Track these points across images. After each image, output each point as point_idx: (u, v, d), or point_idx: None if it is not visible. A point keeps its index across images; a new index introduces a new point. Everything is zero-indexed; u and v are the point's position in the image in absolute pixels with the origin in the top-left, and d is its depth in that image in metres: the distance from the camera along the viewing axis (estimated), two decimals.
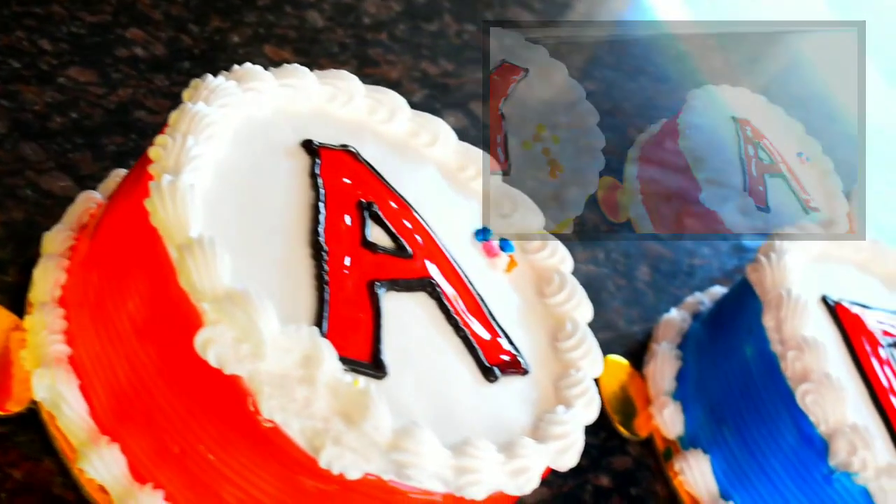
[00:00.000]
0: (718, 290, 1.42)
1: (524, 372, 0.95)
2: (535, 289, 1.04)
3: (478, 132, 1.47)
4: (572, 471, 1.11)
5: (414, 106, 1.38)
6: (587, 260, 1.41)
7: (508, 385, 0.94)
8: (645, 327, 1.39)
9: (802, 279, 1.29)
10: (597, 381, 1.21)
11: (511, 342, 0.96)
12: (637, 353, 1.35)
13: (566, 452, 0.91)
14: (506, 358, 0.95)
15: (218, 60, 1.28)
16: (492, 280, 1.01)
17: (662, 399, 1.28)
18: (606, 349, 1.26)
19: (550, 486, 1.15)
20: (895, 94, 2.66)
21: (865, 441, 1.12)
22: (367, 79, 1.35)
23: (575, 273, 1.30)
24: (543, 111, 1.54)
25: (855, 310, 1.30)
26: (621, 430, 1.26)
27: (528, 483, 0.87)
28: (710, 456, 1.24)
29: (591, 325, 1.26)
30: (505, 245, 1.02)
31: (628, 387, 1.31)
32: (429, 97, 1.44)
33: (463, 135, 1.37)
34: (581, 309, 1.02)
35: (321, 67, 1.06)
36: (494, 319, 0.97)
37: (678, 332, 1.36)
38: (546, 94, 1.56)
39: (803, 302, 1.20)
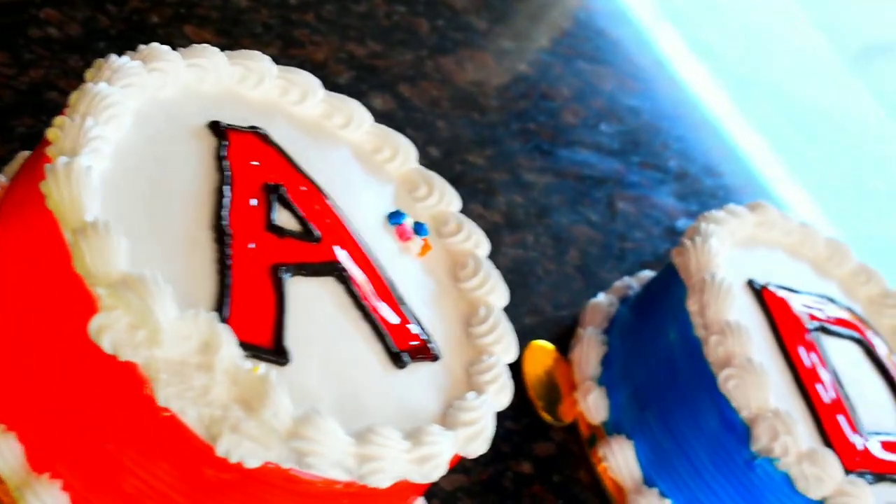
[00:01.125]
0: (647, 275, 1.41)
1: (434, 358, 0.94)
2: (450, 273, 1.03)
3: (406, 114, 1.46)
4: (493, 457, 1.11)
5: (340, 88, 1.37)
6: (515, 244, 1.41)
7: (418, 371, 0.93)
8: (573, 312, 1.38)
9: (728, 263, 1.29)
10: (521, 366, 1.22)
11: (422, 327, 0.95)
12: (564, 339, 1.34)
13: (475, 439, 0.90)
14: (415, 344, 0.94)
15: (135, 41, 1.25)
16: (404, 264, 1.00)
17: (587, 384, 1.28)
18: (533, 334, 1.27)
19: (469, 474, 1.15)
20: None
21: (787, 426, 1.12)
22: (291, 60, 1.34)
23: (502, 257, 1.30)
24: (474, 93, 1.53)
25: (781, 294, 1.30)
26: (545, 416, 1.25)
27: (435, 471, 0.87)
28: (633, 442, 1.24)
29: (517, 309, 1.26)
30: (419, 229, 1.01)
31: (554, 372, 1.30)
32: (355, 79, 1.43)
33: (391, 117, 1.37)
34: (496, 294, 1.01)
35: (244, 49, 1.05)
36: (405, 304, 0.96)
37: (605, 317, 1.36)
38: (477, 76, 1.55)
39: (727, 286, 1.20)
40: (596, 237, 1.49)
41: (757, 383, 1.13)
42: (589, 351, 1.30)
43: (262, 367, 0.80)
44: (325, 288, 0.92)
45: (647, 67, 1.88)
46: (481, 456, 1.11)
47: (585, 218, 1.51)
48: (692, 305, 1.19)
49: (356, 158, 1.04)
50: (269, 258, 0.89)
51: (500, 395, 0.94)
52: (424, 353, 0.94)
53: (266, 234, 0.90)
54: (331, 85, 1.34)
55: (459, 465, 1.10)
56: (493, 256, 1.29)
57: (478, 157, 1.46)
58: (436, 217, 1.05)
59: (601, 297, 1.38)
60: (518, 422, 1.22)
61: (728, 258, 1.30)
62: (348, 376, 0.88)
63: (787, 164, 2.11)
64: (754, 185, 1.87)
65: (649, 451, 1.22)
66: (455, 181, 1.34)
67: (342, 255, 0.94)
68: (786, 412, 1.13)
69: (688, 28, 2.15)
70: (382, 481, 0.83)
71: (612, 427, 1.25)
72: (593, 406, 1.26)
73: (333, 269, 0.93)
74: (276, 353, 0.84)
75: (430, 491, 1.07)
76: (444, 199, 1.05)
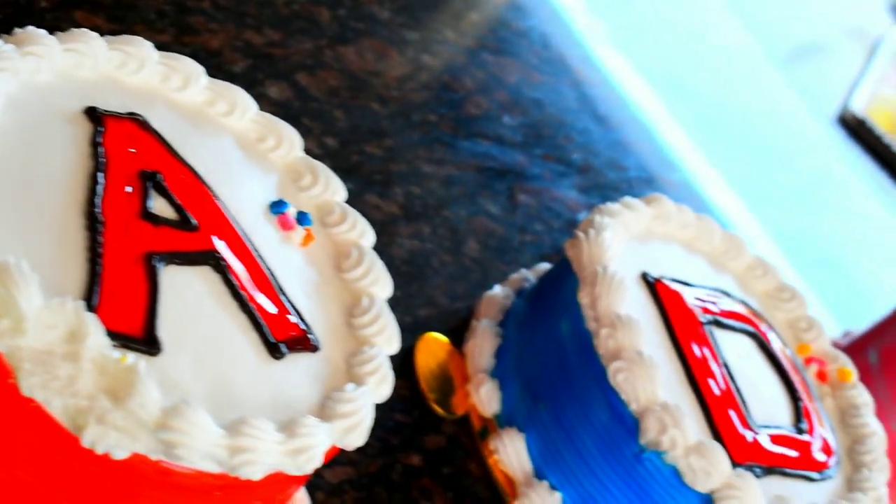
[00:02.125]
0: (544, 267, 1.42)
1: (314, 349, 0.94)
2: (333, 263, 1.02)
3: (303, 103, 1.46)
4: (381, 450, 1.11)
5: (235, 76, 1.36)
6: (411, 235, 1.40)
7: (296, 362, 0.92)
8: (469, 304, 1.38)
9: (622, 256, 1.30)
10: (413, 358, 1.21)
11: (301, 318, 0.95)
12: (460, 331, 1.34)
13: (353, 431, 0.90)
14: (294, 334, 0.93)
15: (23, 26, 1.24)
16: (286, 254, 0.99)
17: (479, 376, 1.28)
18: (427, 326, 1.26)
19: (356, 466, 1.14)
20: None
21: (675, 419, 1.13)
22: (185, 48, 1.33)
23: (398, 248, 1.30)
24: (374, 84, 1.53)
25: (675, 287, 1.31)
26: (436, 408, 1.25)
27: (310, 463, 0.86)
28: (525, 434, 1.24)
29: (412, 301, 1.26)
30: (302, 218, 1.01)
31: (447, 364, 1.30)
32: (251, 68, 1.42)
33: (287, 106, 1.36)
34: (379, 284, 1.01)
35: (136, 35, 1.03)
36: (284, 295, 0.95)
37: (500, 309, 1.36)
38: (378, 66, 1.54)
39: (619, 279, 1.20)
40: (495, 229, 1.49)
41: (646, 376, 1.14)
42: (482, 343, 1.30)
43: (131, 357, 0.79)
44: (201, 277, 0.91)
45: (552, 60, 1.88)
46: (369, 448, 1.11)
47: (485, 210, 1.51)
48: (584, 298, 1.20)
49: (239, 147, 1.03)
50: (143, 246, 0.88)
51: (381, 386, 0.94)
52: (303, 343, 0.93)
53: (140, 221, 0.89)
54: (226, 73, 1.33)
55: (346, 458, 1.10)
56: (388, 248, 1.30)
57: (376, 148, 1.45)
58: (320, 207, 1.04)
59: (497, 290, 1.38)
60: (409, 414, 1.22)
61: (622, 251, 1.30)
62: (222, 367, 0.87)
63: (699, 159, 2.13)
64: (659, 179, 1.87)
65: (540, 443, 1.22)
66: (351, 171, 1.34)
67: (220, 245, 0.93)
68: (674, 405, 1.13)
69: (599, 19, 2.16)
70: (254, 473, 0.83)
71: (505, 420, 1.25)
72: (485, 398, 1.26)
73: (210, 259, 0.92)
74: (146, 342, 0.83)
75: (315, 483, 1.07)
76: (329, 188, 1.04)
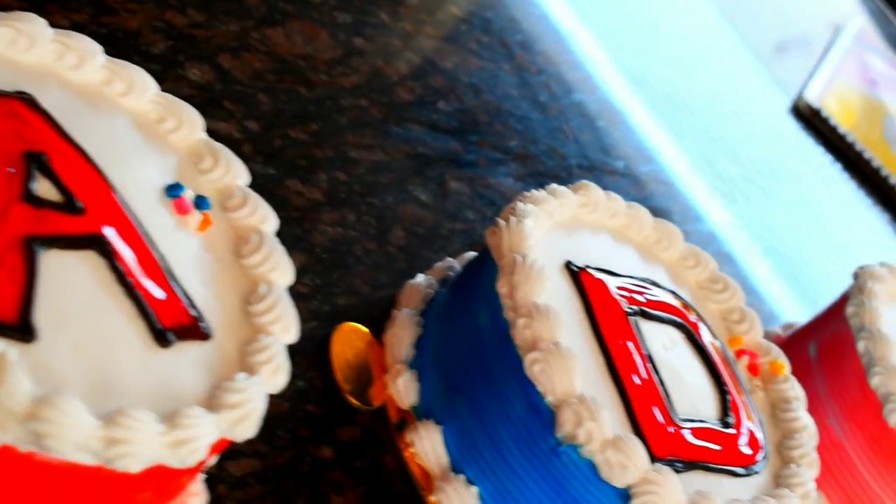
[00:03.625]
0: (470, 256, 1.39)
1: (205, 337, 0.92)
2: (233, 249, 1.00)
3: (225, 86, 1.43)
4: (291, 442, 1.09)
5: (153, 58, 1.34)
6: (334, 222, 1.38)
7: (185, 351, 0.90)
8: (392, 293, 1.36)
9: (546, 244, 1.28)
10: (330, 348, 1.19)
11: (193, 305, 0.92)
12: (381, 321, 1.31)
13: (242, 422, 0.88)
14: (184, 322, 0.91)
15: None
16: (180, 239, 0.97)
17: (398, 367, 1.26)
18: (346, 316, 1.24)
19: (263, 458, 1.12)
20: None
21: (592, 412, 1.11)
22: (101, 28, 1.31)
23: (319, 235, 1.27)
24: (302, 67, 1.50)
25: (600, 277, 1.29)
26: (351, 400, 1.23)
27: (193, 455, 0.84)
28: (443, 427, 1.22)
29: (331, 290, 1.24)
30: (200, 202, 0.98)
31: (365, 355, 1.28)
32: (172, 49, 1.39)
33: (208, 89, 1.33)
34: (279, 271, 0.99)
35: (49, 15, 1.01)
36: (176, 281, 0.93)
37: (423, 299, 1.34)
38: (307, 49, 1.52)
39: (538, 268, 1.18)
40: (424, 217, 1.47)
41: (563, 368, 1.12)
42: (402, 333, 1.28)
43: (0, 345, 0.76)
44: (86, 262, 0.88)
45: (492, 46, 1.86)
46: (278, 440, 1.09)
47: (414, 197, 1.49)
48: (502, 287, 1.18)
49: (136, 128, 1.01)
50: (23, 230, 0.85)
51: (275, 376, 0.92)
52: (193, 331, 0.91)
53: (21, 204, 0.87)
54: (143, 55, 1.31)
55: (252, 450, 1.07)
56: (309, 235, 1.27)
57: (300, 133, 1.43)
58: (221, 191, 1.02)
59: (420, 279, 1.36)
60: (322, 406, 1.19)
61: (546, 239, 1.28)
62: (104, 355, 0.85)
63: (647, 148, 2.11)
64: (601, 168, 1.86)
65: (457, 436, 1.20)
66: (273, 156, 1.32)
67: (107, 229, 0.90)
68: (592, 398, 1.11)
69: (541, 2, 2.14)
70: (132, 465, 0.80)
71: (423, 412, 1.23)
72: (403, 390, 1.24)
73: (95, 243, 0.89)
74: (20, 329, 0.80)
75: (217, 476, 1.05)
76: (231, 172, 1.02)
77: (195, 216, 0.98)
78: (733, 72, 2.74)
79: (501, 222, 1.23)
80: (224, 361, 0.91)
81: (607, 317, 1.25)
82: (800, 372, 1.59)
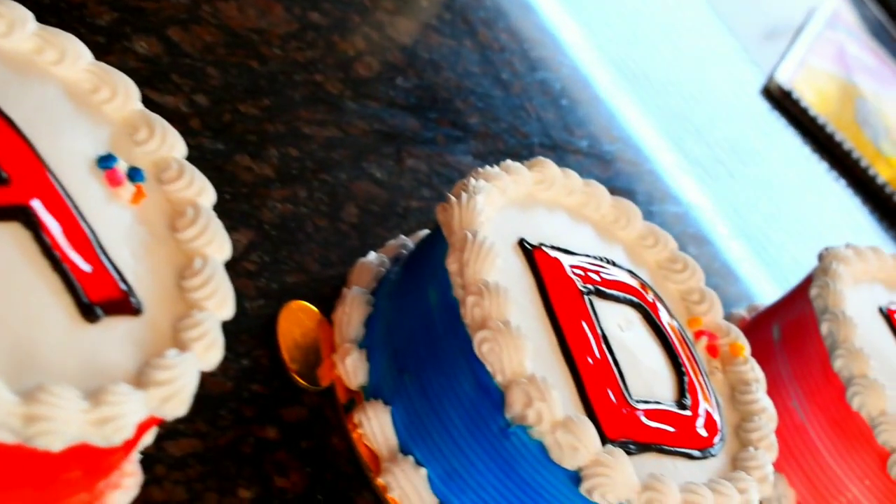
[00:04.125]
0: (424, 234, 1.37)
1: (135, 312, 0.89)
2: (168, 223, 0.97)
3: (173, 59, 1.41)
4: (233, 422, 1.07)
5: (99, 30, 1.31)
6: (285, 199, 1.36)
7: (114, 326, 0.88)
8: (343, 272, 1.33)
9: (499, 222, 1.26)
10: (277, 326, 1.17)
11: (123, 279, 0.90)
12: (331, 300, 1.29)
13: (171, 400, 0.86)
14: (113, 296, 0.88)
15: None
16: (112, 212, 0.94)
17: (346, 346, 1.24)
18: (295, 294, 1.22)
19: (204, 439, 1.10)
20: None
21: (542, 393, 1.09)
22: None
23: (269, 212, 1.25)
24: (255, 41, 1.48)
25: (554, 255, 1.27)
26: (298, 379, 1.21)
27: (118, 433, 0.82)
28: (391, 407, 1.20)
29: (279, 267, 1.21)
30: (134, 174, 0.96)
31: (314, 334, 1.26)
32: (118, 21, 1.36)
33: (155, 62, 1.31)
34: (215, 245, 0.96)
35: None
36: (106, 254, 0.90)
37: (374, 277, 1.31)
38: (260, 23, 1.49)
39: (489, 245, 1.16)
40: (378, 195, 1.45)
41: (512, 347, 1.10)
42: (352, 311, 1.26)
43: None
44: (10, 235, 0.86)
45: (454, 22, 1.83)
46: (220, 420, 1.07)
47: (369, 174, 1.46)
48: (451, 264, 1.16)
49: (68, 98, 0.98)
50: None
51: (208, 352, 0.89)
52: (123, 306, 0.89)
53: None
54: (89, 26, 1.28)
55: (192, 430, 1.05)
56: (258, 211, 1.25)
57: (251, 107, 1.40)
58: (157, 163, 1.00)
59: (371, 257, 1.34)
60: (267, 385, 1.17)
61: (499, 216, 1.26)
62: (27, 331, 0.82)
63: (619, 128, 2.09)
64: (564, 147, 1.83)
65: (406, 417, 1.18)
66: (222, 131, 1.29)
67: (33, 200, 0.88)
68: (542, 378, 1.09)
69: None
70: (53, 443, 0.78)
71: (371, 392, 1.21)
72: (351, 369, 1.22)
73: (20, 215, 0.87)
74: None
75: (155, 456, 1.03)
76: (167, 143, 1.00)
77: (128, 188, 0.96)
78: (704, 52, 2.72)
79: (452, 198, 1.21)
80: (155, 337, 0.89)
81: (561, 295, 1.23)
82: (763, 354, 1.57)
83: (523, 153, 1.74)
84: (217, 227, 0.97)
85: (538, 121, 1.87)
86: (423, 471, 1.17)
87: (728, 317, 1.79)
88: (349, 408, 1.22)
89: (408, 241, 1.38)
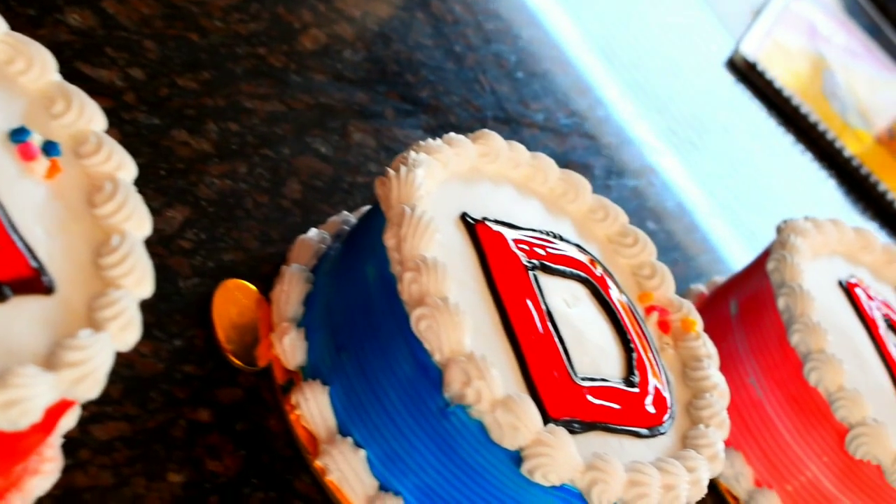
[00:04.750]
0: (366, 210, 1.34)
1: (47, 291, 0.86)
2: (85, 198, 0.94)
3: (108, 32, 1.37)
4: (164, 404, 1.04)
5: (30, 1, 1.27)
6: (223, 174, 1.33)
7: (23, 306, 0.85)
8: (284, 249, 1.31)
9: (441, 196, 1.23)
10: (211, 305, 1.14)
11: (35, 257, 0.87)
12: (270, 278, 1.26)
13: (83, 382, 0.83)
14: (23, 275, 0.85)
15: None
16: (25, 188, 0.91)
17: (284, 325, 1.21)
18: (232, 272, 1.19)
19: (132, 422, 1.07)
20: None
21: (481, 371, 1.07)
22: None
23: (206, 188, 1.22)
24: (195, 13, 1.45)
25: (498, 229, 1.24)
26: (233, 360, 1.18)
27: (25, 417, 0.79)
28: (329, 387, 1.17)
29: (216, 245, 1.18)
30: (49, 148, 0.93)
31: (252, 313, 1.23)
32: None
33: (89, 35, 1.28)
34: (134, 221, 0.93)
35: None
36: (16, 231, 0.87)
37: (314, 254, 1.29)
38: None
39: (427, 219, 1.13)
40: (323, 170, 1.42)
41: (451, 324, 1.08)
42: (290, 289, 1.23)
43: None
44: None
45: None
46: (150, 403, 1.04)
47: (313, 149, 1.44)
48: (389, 240, 1.13)
49: None
50: None
51: (125, 332, 0.87)
52: (34, 285, 0.86)
53: None
54: None
55: (121, 413, 1.03)
56: (194, 187, 1.22)
57: (190, 81, 1.37)
58: (74, 136, 0.97)
59: (312, 233, 1.31)
60: (202, 366, 1.14)
61: (441, 190, 1.24)
62: None
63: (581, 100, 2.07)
64: (519, 120, 1.81)
65: (345, 397, 1.16)
66: (159, 105, 1.27)
67: None
68: (481, 356, 1.07)
69: None
70: None
71: (310, 372, 1.19)
72: (289, 349, 1.19)
73: None
74: None
75: (80, 440, 1.00)
76: (85, 115, 0.97)
77: (42, 163, 0.93)
78: (667, 23, 2.69)
79: (391, 172, 1.18)
80: (68, 317, 0.86)
81: (504, 271, 1.21)
82: (720, 330, 1.56)
83: (475, 127, 1.70)
84: (136, 202, 0.95)
85: (492, 94, 1.84)
86: (363, 452, 1.15)
87: (686, 292, 1.77)
88: (287, 389, 1.19)
89: (350, 218, 1.35)
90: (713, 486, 1.50)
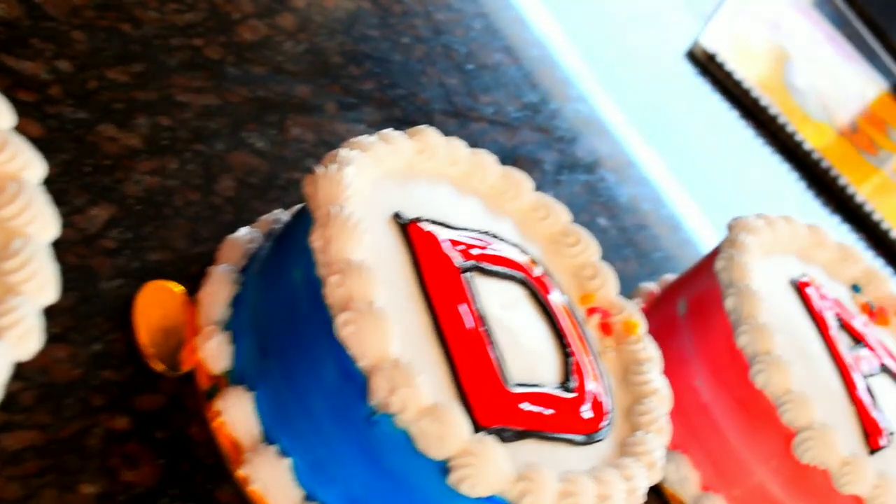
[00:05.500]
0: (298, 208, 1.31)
1: None
2: None
3: (34, 23, 1.34)
4: (80, 412, 1.01)
5: None
6: (152, 171, 1.29)
7: None
8: (214, 248, 1.27)
9: (373, 195, 1.20)
10: (134, 309, 1.11)
11: None
12: (199, 278, 1.23)
13: None
14: None
15: None
16: None
17: (210, 328, 1.18)
18: (159, 273, 1.16)
19: (45, 430, 1.04)
20: None
21: (406, 378, 1.04)
22: None
23: (134, 185, 1.19)
24: (128, 4, 1.41)
25: (430, 229, 1.21)
26: (155, 364, 1.14)
27: None
28: (255, 393, 1.14)
29: (142, 244, 1.15)
30: None
31: (177, 315, 1.19)
32: None
33: (14, 26, 1.24)
34: (39, 224, 0.90)
35: None
36: None
37: (244, 254, 1.25)
38: None
39: (355, 220, 1.10)
40: (258, 166, 1.38)
41: (376, 329, 1.05)
42: (217, 291, 1.20)
43: None
44: None
45: None
46: (65, 410, 1.01)
47: (248, 144, 1.40)
48: (315, 241, 1.10)
49: None
50: None
51: (24, 342, 0.83)
52: None
53: None
54: None
55: (32, 421, 0.99)
56: (121, 185, 1.19)
57: (121, 74, 1.34)
58: None
59: (242, 232, 1.28)
60: (122, 372, 1.11)
61: (375, 190, 1.20)
62: None
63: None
64: (468, 114, 1.77)
65: (270, 404, 1.12)
66: (86, 99, 1.23)
67: None
68: (407, 363, 1.04)
69: None
70: None
71: (236, 377, 1.15)
72: (214, 353, 1.16)
73: None
74: None
75: None
76: None
77: None
78: (626, 14, 2.66)
79: (319, 170, 1.14)
80: None
81: (436, 273, 1.18)
82: (668, 330, 1.53)
83: (421, 121, 1.68)
84: (43, 204, 0.91)
85: (440, 87, 1.81)
86: (288, 461, 1.12)
87: (637, 290, 1.75)
88: (211, 395, 1.16)
89: (283, 216, 1.32)
90: (658, 490, 1.48)
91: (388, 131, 1.25)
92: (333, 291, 1.08)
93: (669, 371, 1.36)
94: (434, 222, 1.24)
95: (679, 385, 1.43)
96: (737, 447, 1.49)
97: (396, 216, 1.21)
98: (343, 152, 1.18)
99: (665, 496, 1.51)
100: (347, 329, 1.06)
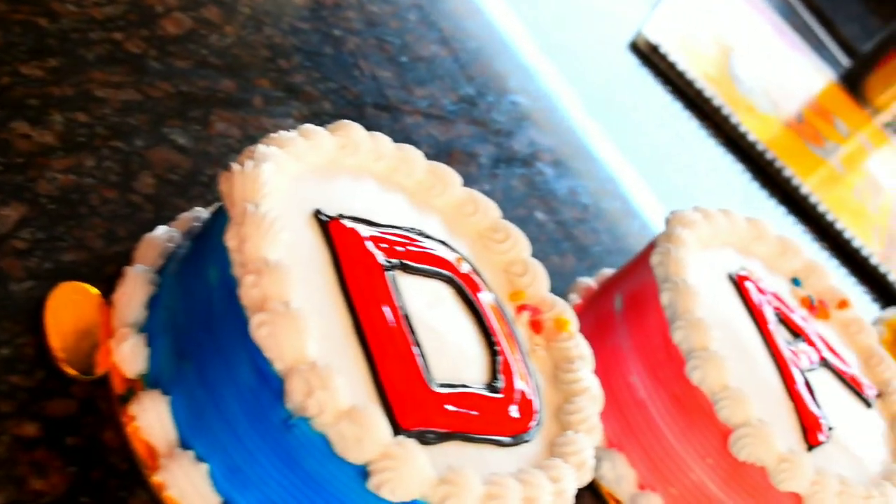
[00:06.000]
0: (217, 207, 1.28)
1: None
2: None
3: None
4: None
5: None
6: (67, 169, 1.26)
7: None
8: (132, 248, 1.24)
9: (293, 192, 1.17)
10: (45, 311, 1.08)
11: None
12: (114, 279, 1.20)
13: None
14: None
15: None
16: None
17: (124, 331, 1.15)
18: (73, 273, 1.13)
19: None
20: None
21: (323, 381, 1.02)
22: None
23: (47, 183, 1.16)
24: None
25: (352, 227, 1.19)
26: (67, 368, 1.11)
27: None
28: (170, 397, 1.11)
29: (56, 244, 1.12)
30: None
31: (91, 318, 1.16)
32: None
33: None
34: None
35: None
36: None
37: (161, 253, 1.22)
38: None
39: (272, 218, 1.08)
40: (180, 162, 1.36)
41: (292, 330, 1.02)
42: (132, 292, 1.17)
43: None
44: None
45: None
46: None
47: (170, 140, 1.37)
48: (231, 240, 1.07)
49: None
50: None
51: None
52: None
53: None
54: None
55: None
56: (34, 183, 1.16)
57: (35, 69, 1.30)
58: None
59: (160, 231, 1.25)
60: (30, 376, 1.08)
61: (295, 186, 1.18)
62: None
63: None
64: (400, 108, 1.75)
65: (186, 408, 1.10)
66: None
67: None
68: (325, 365, 1.01)
69: None
70: None
71: (151, 381, 1.13)
72: (129, 356, 1.13)
73: None
74: None
75: None
76: None
77: None
78: (568, 4, 2.65)
79: (235, 167, 1.12)
80: None
81: (358, 272, 1.15)
82: (604, 326, 1.52)
83: (351, 115, 1.65)
84: None
85: (373, 80, 1.79)
86: (204, 466, 1.09)
87: (574, 286, 1.73)
88: (125, 399, 1.13)
89: (203, 214, 1.29)
90: (594, 489, 1.46)
91: (309, 126, 1.23)
92: (248, 292, 1.06)
93: (605, 367, 1.35)
94: (357, 219, 1.21)
95: (615, 381, 1.42)
96: (673, 444, 1.47)
97: (317, 213, 1.18)
98: (261, 148, 1.15)
99: (602, 495, 1.49)
100: (262, 330, 1.04)
